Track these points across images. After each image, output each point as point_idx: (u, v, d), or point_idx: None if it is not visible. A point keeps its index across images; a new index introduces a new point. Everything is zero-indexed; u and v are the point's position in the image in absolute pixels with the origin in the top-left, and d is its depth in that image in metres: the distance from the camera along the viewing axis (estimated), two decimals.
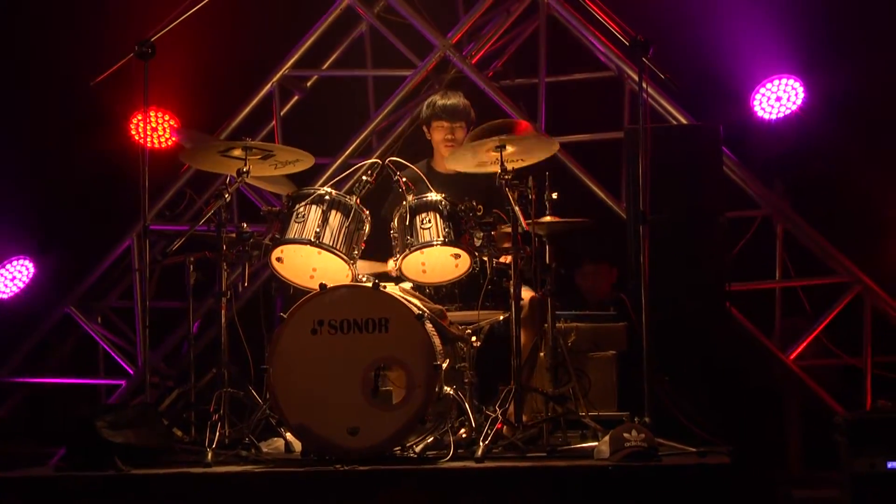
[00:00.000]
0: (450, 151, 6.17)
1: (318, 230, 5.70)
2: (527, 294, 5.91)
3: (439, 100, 6.42)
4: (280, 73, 7.73)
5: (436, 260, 5.78)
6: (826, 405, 6.98)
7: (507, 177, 5.62)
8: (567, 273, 6.63)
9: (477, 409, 5.62)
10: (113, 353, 7.69)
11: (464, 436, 5.53)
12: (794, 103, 7.64)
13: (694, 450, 5.38)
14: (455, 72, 7.66)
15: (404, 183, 5.91)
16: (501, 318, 5.90)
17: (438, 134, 6.40)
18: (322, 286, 5.46)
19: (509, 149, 5.72)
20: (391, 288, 5.64)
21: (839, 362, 7.26)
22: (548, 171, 5.86)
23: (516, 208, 5.58)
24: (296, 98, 8.08)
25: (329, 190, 5.82)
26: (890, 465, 5.63)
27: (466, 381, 5.71)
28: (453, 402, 5.55)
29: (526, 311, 5.83)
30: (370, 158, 6.30)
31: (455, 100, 6.40)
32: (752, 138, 7.65)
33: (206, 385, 6.07)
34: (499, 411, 5.49)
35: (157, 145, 7.93)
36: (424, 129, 6.51)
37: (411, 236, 5.75)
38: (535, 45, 7.59)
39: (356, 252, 5.79)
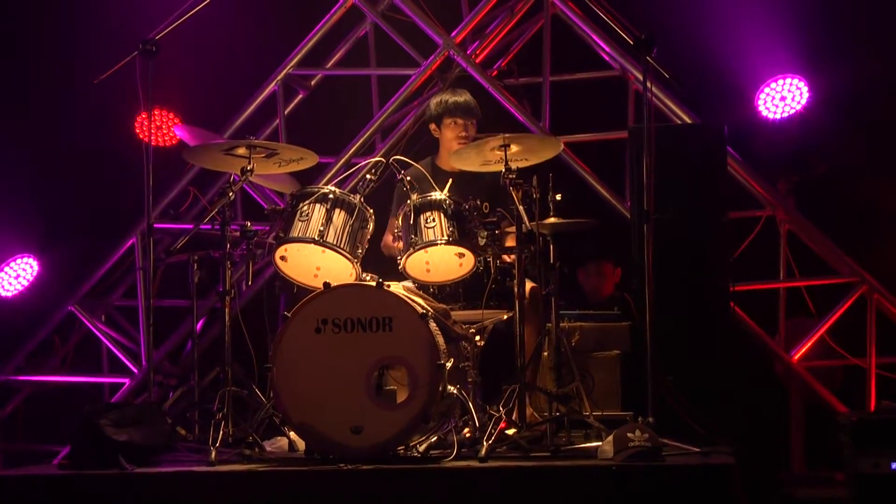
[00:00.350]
0: (459, 151, 6.18)
1: (322, 229, 5.70)
2: (527, 285, 5.89)
3: (451, 97, 6.42)
4: (284, 71, 7.73)
5: (440, 259, 5.78)
6: (830, 405, 6.96)
7: (511, 176, 5.63)
8: (571, 272, 6.63)
9: (481, 408, 5.62)
10: (116, 352, 7.68)
11: (467, 435, 5.53)
12: (798, 103, 7.63)
13: (698, 450, 5.38)
14: (459, 71, 7.65)
15: (408, 182, 5.91)
16: (505, 316, 5.90)
17: (451, 131, 6.40)
18: (326, 285, 5.46)
19: (513, 148, 5.73)
20: (395, 287, 5.64)
21: (843, 363, 7.25)
22: (551, 173, 5.86)
23: (520, 207, 5.58)
24: (300, 97, 8.07)
25: (333, 188, 5.83)
26: (894, 465, 5.62)
27: (470, 380, 5.71)
28: (457, 402, 5.54)
29: (526, 302, 5.80)
30: (374, 157, 6.30)
31: (466, 97, 6.44)
32: (756, 138, 7.64)
33: (210, 384, 6.09)
34: (503, 411, 5.49)
35: (161, 143, 7.93)
36: (433, 126, 6.50)
37: (415, 235, 5.74)
38: (539, 44, 7.57)
39: (360, 251, 5.79)
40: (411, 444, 5.42)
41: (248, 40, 8.03)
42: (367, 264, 5.86)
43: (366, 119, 7.68)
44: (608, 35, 7.33)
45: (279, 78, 7.72)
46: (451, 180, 6.02)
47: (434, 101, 6.49)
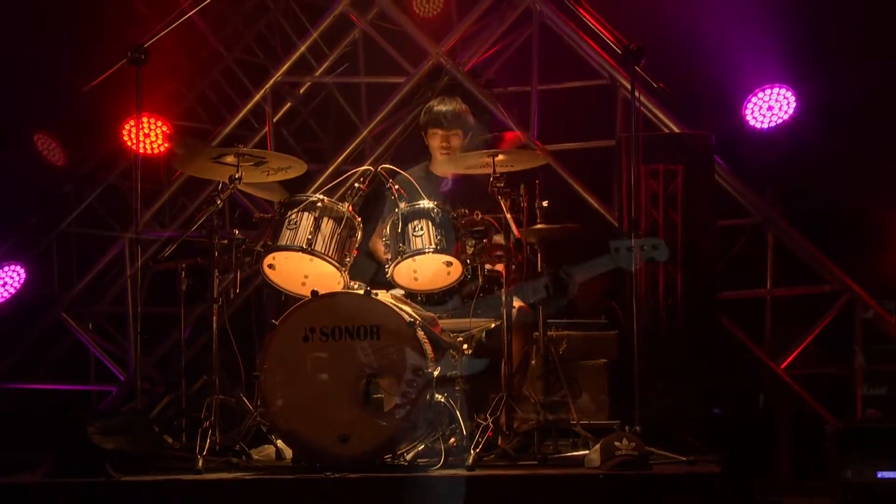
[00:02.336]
0: (444, 159, 6.20)
1: (309, 237, 5.70)
2: (516, 303, 5.91)
3: (435, 106, 6.43)
4: (273, 79, 7.73)
5: (428, 267, 5.78)
6: (816, 414, 6.98)
7: (499, 185, 5.64)
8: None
9: (468, 416, 5.62)
10: (104, 359, 7.68)
11: (454, 444, 5.53)
12: (785, 112, 7.65)
13: (684, 458, 5.39)
14: (448, 79, 7.66)
15: (396, 190, 5.92)
16: (493, 325, 5.90)
17: (434, 141, 6.42)
18: (314, 293, 5.46)
19: (500, 156, 5.74)
20: (383, 295, 5.64)
21: (829, 371, 7.26)
22: (538, 180, 5.87)
23: (508, 216, 5.59)
24: (289, 105, 8.07)
25: (321, 197, 5.83)
26: (880, 474, 5.64)
27: (458, 388, 5.71)
28: (445, 410, 5.54)
29: (515, 320, 5.81)
30: (363, 165, 6.31)
31: (451, 106, 6.39)
32: (743, 147, 7.66)
33: (197, 391, 6.07)
34: (490, 419, 5.49)
35: (149, 151, 7.91)
36: (422, 134, 6.52)
37: (403, 243, 5.75)
38: (528, 52, 7.59)
39: (348, 259, 5.79)
40: (399, 452, 5.42)
41: (237, 48, 8.03)
42: (355, 273, 5.86)
43: (355, 127, 7.69)
44: (597, 44, 7.35)
45: (268, 86, 7.72)
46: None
47: (424, 109, 6.50)
